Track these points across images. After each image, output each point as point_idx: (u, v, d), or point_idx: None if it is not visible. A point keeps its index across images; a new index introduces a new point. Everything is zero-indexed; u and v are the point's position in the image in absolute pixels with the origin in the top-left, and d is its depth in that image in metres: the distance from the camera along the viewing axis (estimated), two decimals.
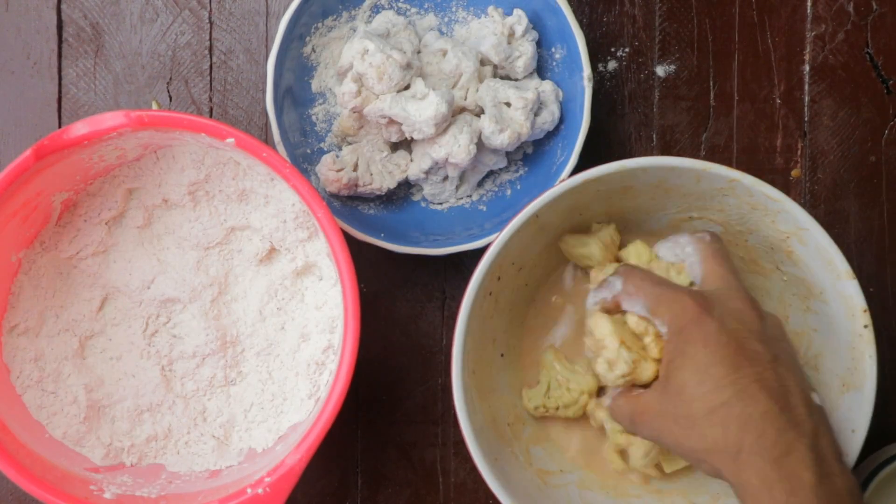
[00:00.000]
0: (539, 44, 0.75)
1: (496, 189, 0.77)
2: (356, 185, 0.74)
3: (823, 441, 0.58)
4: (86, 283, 0.71)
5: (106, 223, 0.72)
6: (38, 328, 0.70)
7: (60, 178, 0.68)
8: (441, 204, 0.77)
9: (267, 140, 0.78)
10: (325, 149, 0.76)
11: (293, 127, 0.75)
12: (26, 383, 0.70)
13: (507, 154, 0.76)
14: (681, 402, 0.59)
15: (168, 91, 0.78)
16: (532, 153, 0.77)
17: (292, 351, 0.72)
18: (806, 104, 0.79)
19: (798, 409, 0.58)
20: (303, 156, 0.75)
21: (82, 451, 0.70)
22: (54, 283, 0.71)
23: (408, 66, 0.70)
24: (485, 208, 0.77)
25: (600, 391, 0.71)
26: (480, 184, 0.77)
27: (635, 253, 0.70)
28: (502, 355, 0.74)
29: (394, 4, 0.76)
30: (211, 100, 0.78)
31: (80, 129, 0.64)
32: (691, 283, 0.66)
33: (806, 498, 0.55)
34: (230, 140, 0.64)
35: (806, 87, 0.79)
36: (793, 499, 0.55)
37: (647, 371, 0.64)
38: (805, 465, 0.56)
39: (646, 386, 0.64)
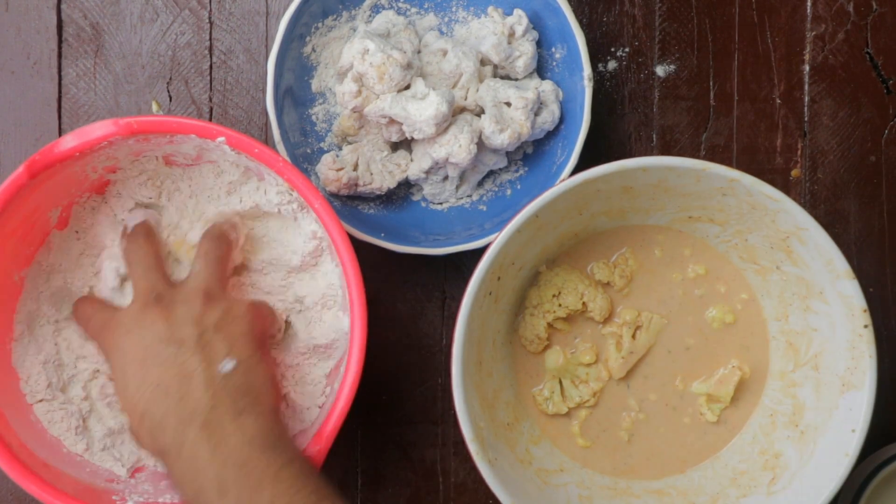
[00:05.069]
0: (539, 44, 0.75)
1: (496, 189, 0.77)
2: (356, 185, 0.74)
3: (220, 409, 0.60)
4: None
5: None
6: (51, 350, 0.70)
7: (55, 192, 0.67)
8: (441, 204, 0.77)
9: (267, 140, 0.78)
10: (325, 148, 0.76)
11: (293, 127, 0.75)
12: (39, 396, 0.69)
13: (507, 154, 0.76)
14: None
15: (168, 91, 0.78)
16: (532, 153, 0.77)
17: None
18: (806, 104, 0.79)
19: (195, 394, 0.60)
20: (303, 155, 0.75)
21: (104, 464, 0.69)
22: (60, 301, 0.70)
23: (408, 66, 0.70)
24: (485, 208, 0.77)
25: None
26: (480, 184, 0.77)
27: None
28: (502, 355, 0.74)
29: (394, 4, 0.76)
30: (211, 100, 0.78)
31: (69, 141, 0.63)
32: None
33: (206, 477, 0.58)
34: (221, 139, 0.63)
35: (806, 87, 0.79)
36: (200, 482, 0.59)
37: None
38: (199, 446, 0.59)
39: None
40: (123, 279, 0.69)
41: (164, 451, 0.61)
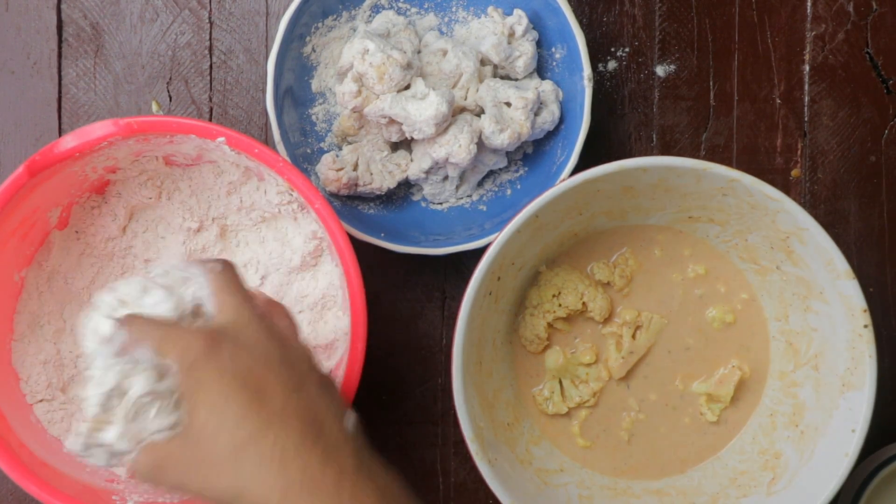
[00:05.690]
0: (539, 44, 0.75)
1: (496, 189, 0.77)
2: (356, 185, 0.74)
3: (364, 471, 0.54)
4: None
5: (106, 240, 0.71)
6: (51, 350, 0.70)
7: (55, 192, 0.67)
8: (441, 204, 0.77)
9: (267, 140, 0.78)
10: (325, 148, 0.76)
11: (293, 127, 0.75)
12: (39, 396, 0.69)
13: (507, 154, 0.76)
14: (204, 442, 0.53)
15: (168, 91, 0.78)
16: (532, 153, 0.77)
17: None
18: (806, 104, 0.79)
19: (335, 435, 0.54)
20: (303, 155, 0.75)
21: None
22: (61, 301, 0.70)
23: (408, 66, 0.70)
24: (485, 208, 0.77)
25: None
26: (480, 184, 0.77)
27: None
28: (502, 355, 0.74)
29: (394, 4, 0.76)
30: (211, 100, 0.78)
31: (69, 141, 0.63)
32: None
33: None
34: (221, 139, 0.63)
35: (806, 87, 0.79)
36: None
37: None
38: (363, 492, 0.53)
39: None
40: (194, 311, 0.57)
41: (287, 489, 0.52)
